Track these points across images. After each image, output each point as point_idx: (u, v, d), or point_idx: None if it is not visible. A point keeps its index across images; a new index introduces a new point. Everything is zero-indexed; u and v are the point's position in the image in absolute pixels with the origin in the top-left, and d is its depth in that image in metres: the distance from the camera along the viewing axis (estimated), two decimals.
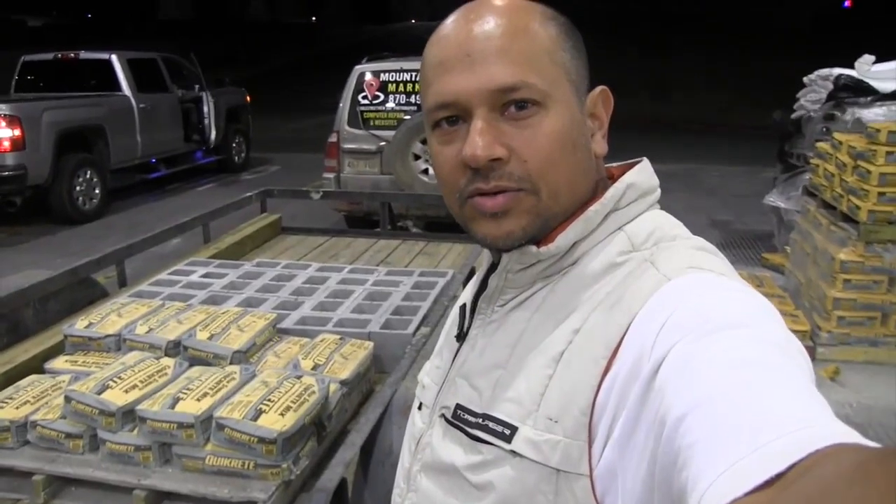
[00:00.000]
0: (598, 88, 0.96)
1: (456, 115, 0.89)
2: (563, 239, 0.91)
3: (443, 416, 0.98)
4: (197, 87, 12.82)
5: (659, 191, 0.99)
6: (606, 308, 0.85)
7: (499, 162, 0.86)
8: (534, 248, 0.92)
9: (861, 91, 5.24)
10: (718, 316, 0.73)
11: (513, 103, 0.86)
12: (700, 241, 0.93)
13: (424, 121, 0.95)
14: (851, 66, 5.57)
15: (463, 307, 1.06)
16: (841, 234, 4.13)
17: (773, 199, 5.94)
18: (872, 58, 5.46)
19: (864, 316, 4.01)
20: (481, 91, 0.86)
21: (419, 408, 1.08)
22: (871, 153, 3.94)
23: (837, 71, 5.66)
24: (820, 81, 5.90)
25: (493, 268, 1.00)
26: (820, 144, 4.80)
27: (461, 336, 1.03)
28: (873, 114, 4.67)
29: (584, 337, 0.85)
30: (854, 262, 3.96)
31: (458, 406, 0.95)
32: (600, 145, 0.96)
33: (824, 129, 5.33)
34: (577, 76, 0.92)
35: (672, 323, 0.75)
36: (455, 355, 1.02)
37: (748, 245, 7.38)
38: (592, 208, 0.92)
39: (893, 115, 4.67)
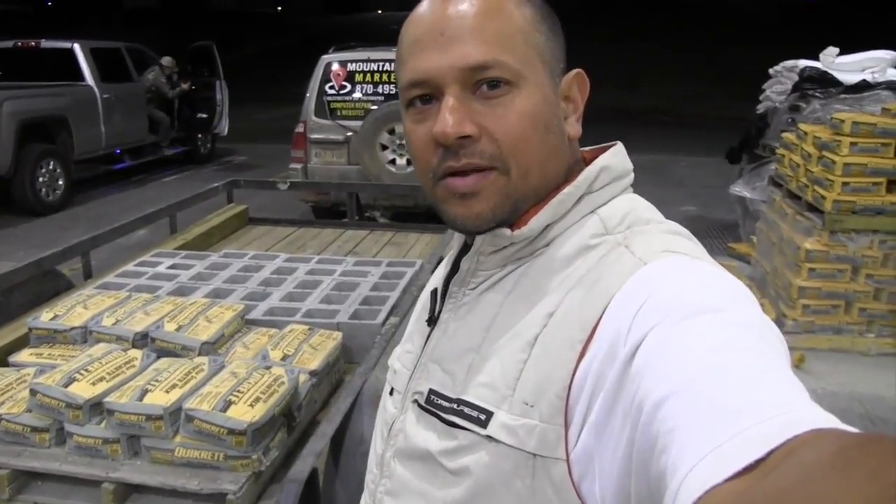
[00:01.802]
0: (574, 71, 0.96)
1: (429, 94, 0.89)
2: (535, 221, 0.91)
3: (416, 401, 0.97)
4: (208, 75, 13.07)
5: (633, 174, 0.99)
6: (581, 291, 0.85)
7: (469, 139, 0.86)
8: (507, 231, 0.91)
9: (825, 82, 5.29)
10: (695, 300, 0.73)
11: (485, 82, 0.86)
12: (674, 224, 0.93)
13: (399, 99, 0.95)
14: (817, 58, 5.63)
15: (434, 291, 1.05)
16: (806, 223, 4.17)
17: (739, 189, 5.98)
18: (836, 50, 5.52)
19: (829, 304, 4.05)
20: (453, 69, 0.86)
21: (390, 393, 1.07)
22: (835, 144, 3.98)
23: (803, 62, 5.72)
24: (785, 73, 5.95)
25: (464, 250, 0.99)
26: (785, 135, 4.84)
27: (432, 320, 1.02)
28: None
29: (559, 320, 0.85)
30: (819, 252, 4.00)
31: (431, 391, 0.95)
32: (574, 128, 0.95)
33: (790, 120, 5.37)
34: (552, 58, 0.92)
35: (649, 306, 0.74)
36: (426, 340, 1.02)
37: (715, 235, 7.46)
38: (565, 191, 0.92)
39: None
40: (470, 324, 0.95)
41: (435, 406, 0.93)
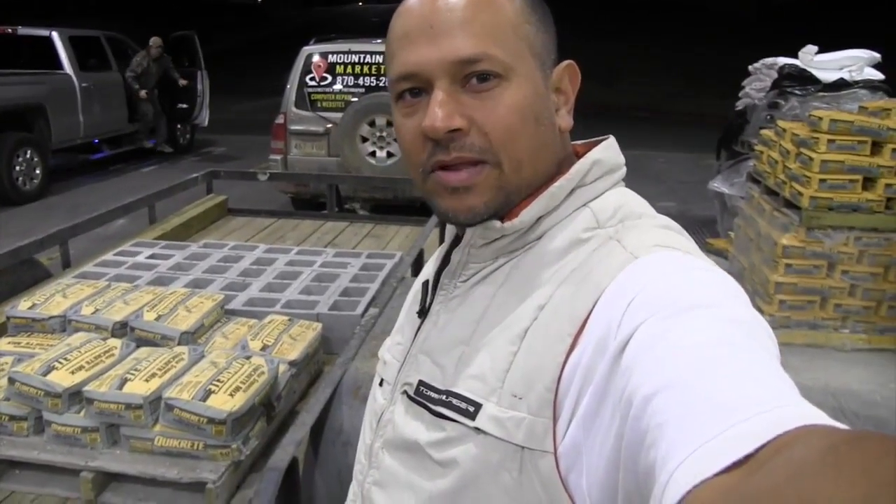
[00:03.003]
0: (565, 63, 0.95)
1: (418, 87, 0.88)
2: (527, 214, 0.90)
3: (405, 392, 0.97)
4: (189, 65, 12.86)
5: (625, 168, 0.98)
6: (572, 285, 0.85)
7: (458, 133, 0.85)
8: (498, 223, 0.91)
9: (804, 80, 5.34)
10: (686, 295, 0.73)
11: (474, 75, 0.85)
12: (665, 219, 0.93)
13: (389, 92, 0.94)
14: (796, 56, 5.67)
15: (425, 283, 1.05)
16: (783, 219, 4.20)
17: (718, 185, 6.01)
18: (815, 48, 5.56)
19: (805, 300, 4.09)
20: (443, 62, 0.85)
21: (380, 384, 1.07)
22: (813, 141, 4.02)
23: (782, 60, 5.76)
24: (765, 70, 6.00)
25: (455, 243, 0.99)
26: (764, 132, 4.88)
27: (423, 312, 1.02)
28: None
29: (550, 314, 0.84)
30: (796, 247, 4.03)
31: (420, 383, 0.94)
32: (565, 120, 0.95)
33: (768, 117, 5.41)
34: (543, 50, 0.91)
35: (639, 301, 0.74)
36: (417, 331, 1.02)
37: (693, 230, 7.50)
38: (557, 183, 0.91)
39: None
40: (461, 316, 0.95)
41: (424, 397, 0.93)
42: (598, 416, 0.73)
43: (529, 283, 0.89)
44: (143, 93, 11.91)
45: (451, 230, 1.04)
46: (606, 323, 0.76)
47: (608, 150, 0.97)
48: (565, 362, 0.80)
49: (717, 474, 0.51)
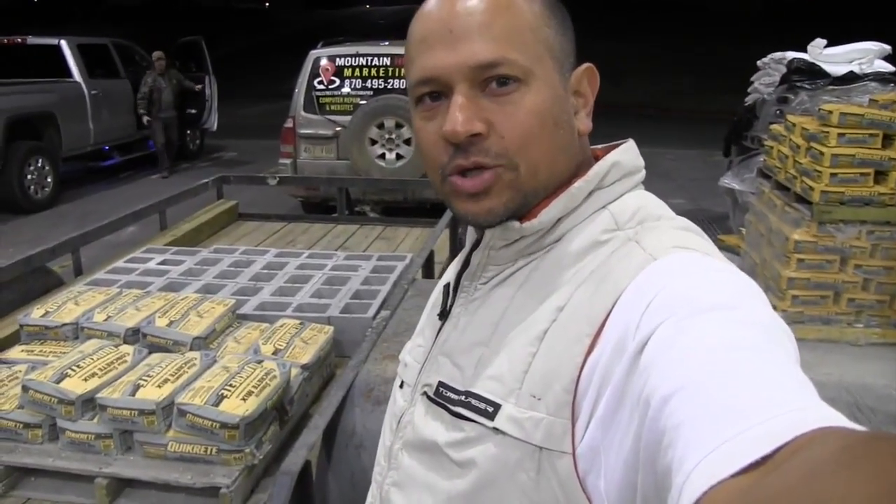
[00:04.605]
0: (584, 66, 0.95)
1: (438, 91, 0.88)
2: (546, 214, 0.90)
3: (425, 393, 0.97)
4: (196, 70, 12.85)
5: (644, 171, 0.98)
6: (591, 286, 0.85)
7: (478, 137, 0.85)
8: (517, 224, 0.91)
9: (813, 74, 5.31)
10: (705, 296, 0.73)
11: (494, 79, 0.85)
12: (684, 221, 0.93)
13: (408, 96, 0.94)
14: (802, 51, 5.65)
15: (446, 286, 1.05)
16: (795, 214, 4.18)
17: (728, 182, 5.99)
18: (824, 41, 5.53)
19: (817, 295, 4.07)
20: (462, 67, 0.85)
21: (401, 386, 1.07)
22: (823, 135, 3.99)
23: (791, 54, 5.73)
24: (773, 64, 5.97)
25: (476, 245, 1.00)
26: (774, 127, 4.85)
27: (444, 314, 1.03)
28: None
29: (568, 315, 0.85)
30: (807, 242, 4.01)
31: (440, 384, 0.95)
32: (584, 123, 0.95)
33: (778, 112, 5.39)
34: (561, 53, 0.91)
35: (658, 302, 0.74)
36: (437, 333, 1.02)
37: (705, 227, 7.43)
38: (576, 185, 0.91)
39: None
40: (480, 318, 0.95)
41: (443, 398, 0.93)
42: (616, 418, 0.73)
43: (548, 284, 0.89)
44: (145, 119, 11.51)
45: (471, 233, 1.04)
46: (625, 324, 0.76)
47: (627, 153, 0.97)
48: (584, 363, 0.80)
49: (733, 475, 0.51)
